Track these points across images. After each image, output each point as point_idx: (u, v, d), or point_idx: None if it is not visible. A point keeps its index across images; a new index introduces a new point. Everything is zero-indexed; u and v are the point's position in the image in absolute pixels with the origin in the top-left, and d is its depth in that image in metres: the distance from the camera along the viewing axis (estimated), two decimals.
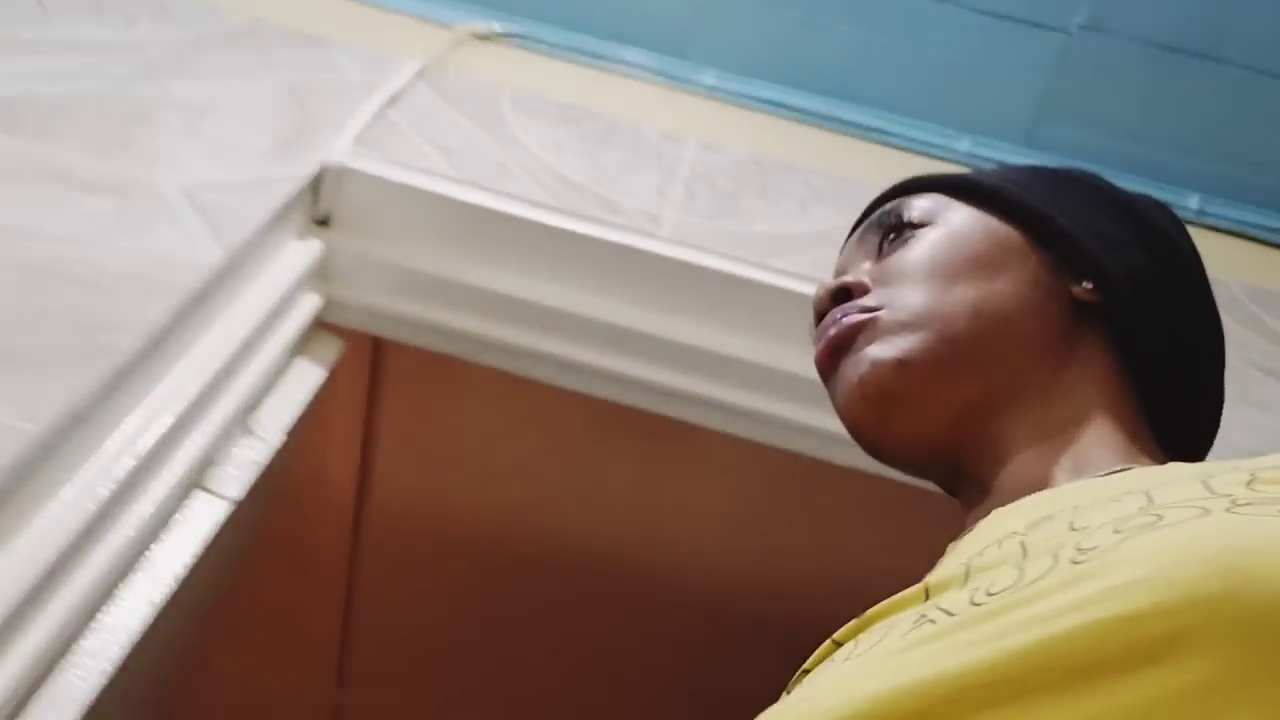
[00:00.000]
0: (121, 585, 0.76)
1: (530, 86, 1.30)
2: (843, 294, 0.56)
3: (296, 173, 1.01)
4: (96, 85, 1.05)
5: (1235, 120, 1.38)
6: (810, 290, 1.07)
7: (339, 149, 1.05)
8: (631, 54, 1.43)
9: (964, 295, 0.53)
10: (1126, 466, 0.50)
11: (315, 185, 1.05)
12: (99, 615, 0.73)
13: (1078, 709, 0.32)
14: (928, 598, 0.42)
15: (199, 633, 1.40)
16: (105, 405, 0.74)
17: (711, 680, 2.04)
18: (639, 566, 1.94)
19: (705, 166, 1.23)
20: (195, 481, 0.88)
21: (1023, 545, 0.41)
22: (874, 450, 0.55)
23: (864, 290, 0.56)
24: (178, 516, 0.85)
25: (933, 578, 0.44)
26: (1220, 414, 0.59)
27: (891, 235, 0.58)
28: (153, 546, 0.81)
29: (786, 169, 1.27)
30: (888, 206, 0.60)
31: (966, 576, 0.41)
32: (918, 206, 0.58)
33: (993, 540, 0.44)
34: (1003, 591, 0.37)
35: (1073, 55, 1.38)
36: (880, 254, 0.58)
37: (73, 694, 0.70)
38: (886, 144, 1.41)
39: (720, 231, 1.11)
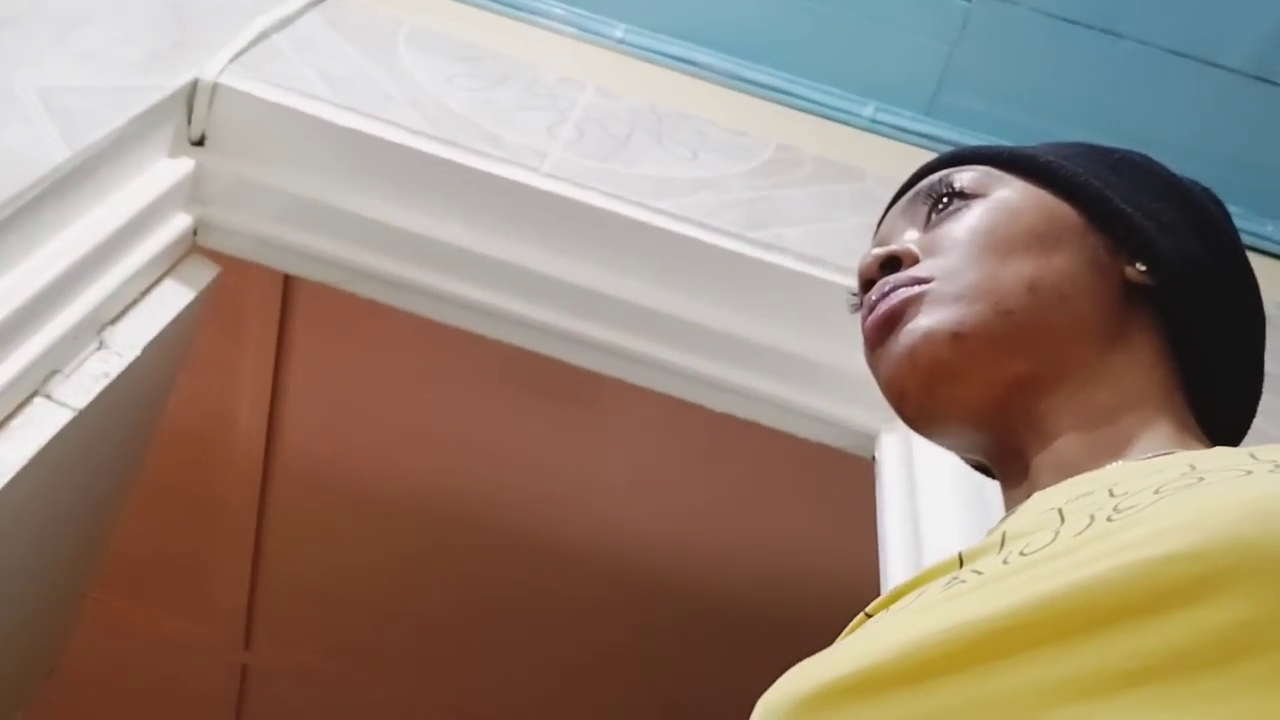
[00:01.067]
0: None
1: (432, 26, 1.29)
2: (892, 263, 0.55)
3: (164, 84, 0.99)
4: None
5: (1129, 94, 1.40)
6: (689, 231, 1.07)
7: (213, 66, 1.03)
8: (542, 3, 1.42)
9: (1020, 270, 0.53)
10: (1169, 451, 0.50)
11: (188, 101, 1.03)
12: None
13: (1111, 649, 0.32)
14: (962, 565, 0.43)
15: (75, 572, 1.37)
16: None
17: (620, 632, 2.05)
18: (549, 523, 1.93)
19: (600, 111, 1.22)
20: (36, 389, 0.86)
21: (1060, 514, 0.41)
22: (917, 419, 0.54)
23: (914, 259, 0.55)
24: (14, 421, 0.83)
25: (968, 548, 0.44)
26: (1258, 401, 0.59)
27: (941, 205, 0.57)
28: None
29: (683, 119, 1.26)
30: (935, 176, 0.59)
31: (1002, 543, 0.42)
32: (968, 178, 0.57)
33: (1036, 513, 0.45)
34: (1037, 551, 0.38)
35: (973, 24, 1.39)
36: (928, 224, 0.57)
37: None
38: (790, 105, 1.42)
39: (605, 171, 1.10)
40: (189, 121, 1.04)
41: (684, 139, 1.23)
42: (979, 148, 0.60)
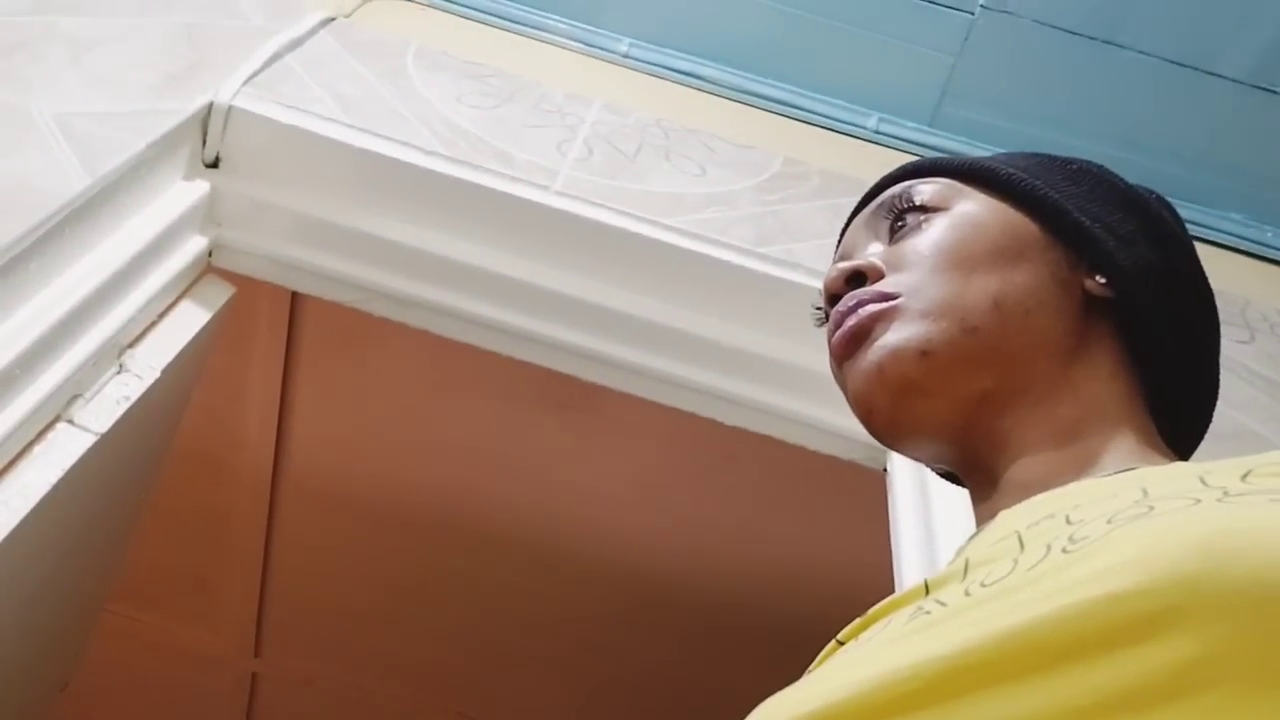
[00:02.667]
0: None
1: (439, 45, 1.30)
2: (857, 278, 0.56)
3: (180, 108, 1.00)
4: None
5: (1131, 104, 1.41)
6: (701, 248, 1.08)
7: (228, 88, 1.04)
8: (547, 19, 1.43)
9: (985, 286, 0.53)
10: (1132, 467, 0.50)
11: (204, 126, 1.04)
12: None
13: (1065, 687, 0.33)
14: (928, 593, 0.43)
15: (93, 587, 1.38)
16: None
17: (628, 641, 2.06)
18: (555, 531, 1.94)
19: (608, 127, 1.23)
20: (59, 414, 0.87)
21: (1020, 540, 0.42)
22: (884, 433, 0.55)
23: (879, 274, 0.55)
24: (37, 447, 0.84)
25: (934, 575, 0.45)
26: (1215, 402, 0.60)
27: (903, 220, 0.57)
28: (7, 474, 0.81)
29: (690, 134, 1.27)
30: (896, 189, 0.59)
31: (965, 571, 0.42)
32: (929, 191, 0.57)
33: (996, 538, 0.45)
34: (996, 582, 0.38)
35: (976, 35, 1.40)
36: (892, 238, 0.57)
37: None
38: (794, 118, 1.43)
39: (615, 188, 1.11)
40: (204, 144, 1.05)
41: (691, 153, 1.24)
42: (939, 159, 0.61)
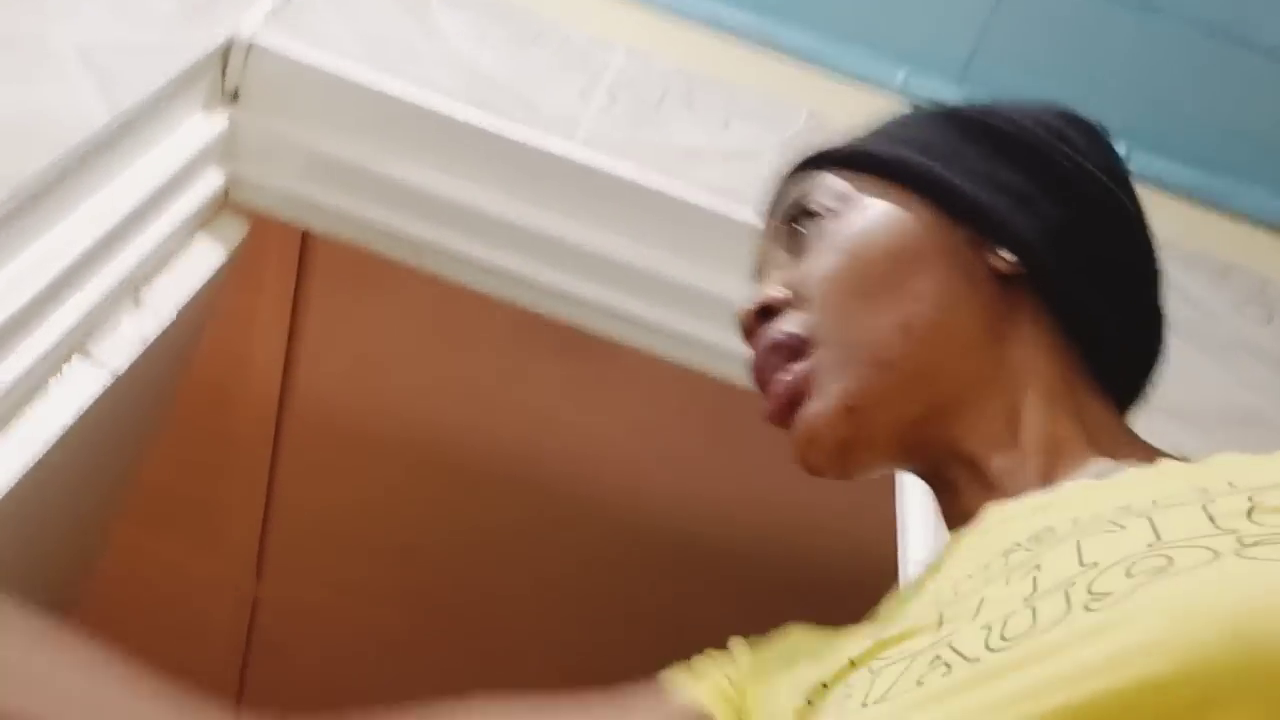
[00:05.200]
0: None
1: None
2: (767, 312, 0.55)
3: (201, 40, 0.98)
4: None
5: (1166, 72, 1.39)
6: (720, 207, 1.07)
7: (249, 23, 1.02)
8: None
9: (890, 313, 0.52)
10: (1109, 465, 0.49)
11: (224, 58, 1.02)
12: None
13: None
14: (941, 625, 0.42)
15: (103, 514, 1.39)
16: None
17: (624, 585, 2.08)
18: (555, 475, 1.96)
19: (631, 74, 1.21)
20: (75, 348, 0.87)
21: (1034, 578, 0.40)
22: (838, 479, 0.54)
23: (784, 303, 0.55)
24: (53, 382, 0.84)
25: (941, 599, 0.44)
26: (1162, 343, 0.57)
27: (800, 229, 0.56)
28: (25, 411, 0.81)
29: (713, 83, 1.25)
30: (789, 191, 0.58)
31: (979, 607, 0.41)
32: (822, 191, 0.56)
33: (996, 553, 0.44)
34: (1018, 638, 0.37)
35: None
36: (794, 248, 0.56)
37: None
38: (820, 68, 1.40)
39: (638, 140, 1.10)
40: (223, 76, 1.03)
41: (715, 105, 1.22)
42: (826, 149, 0.58)
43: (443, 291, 1.19)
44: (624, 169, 1.05)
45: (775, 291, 0.55)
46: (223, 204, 1.07)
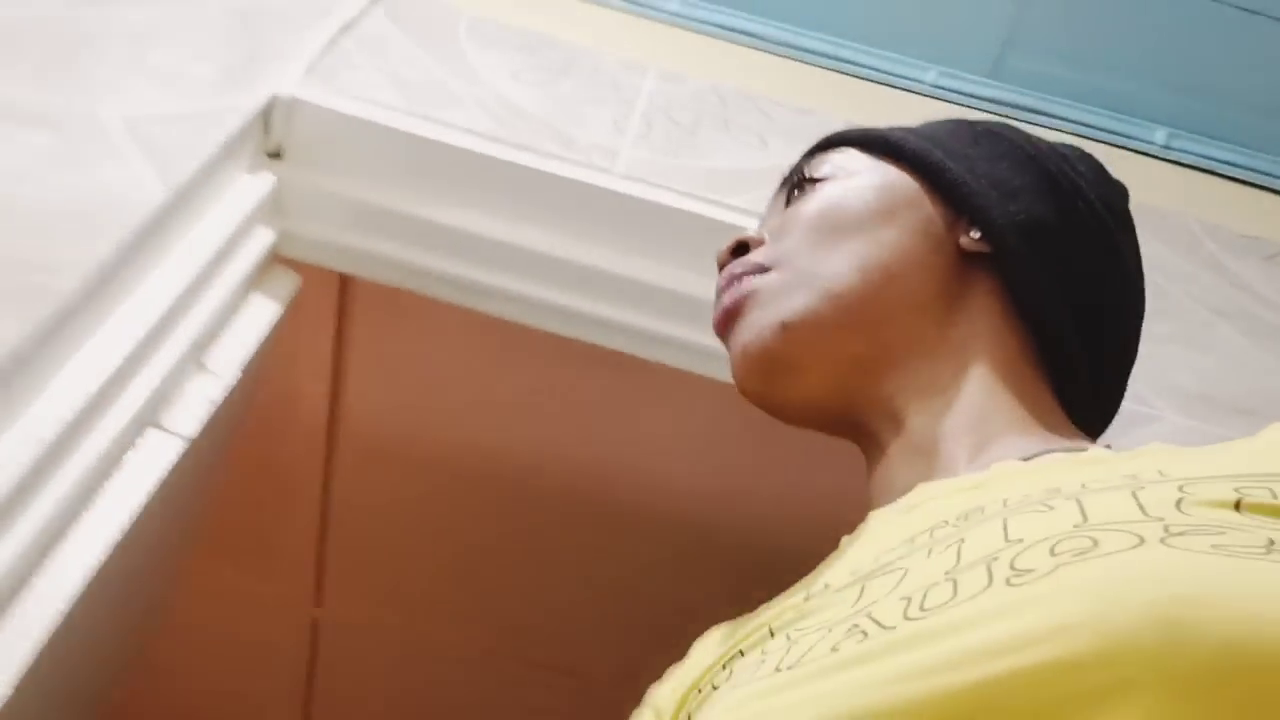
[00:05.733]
0: (73, 527, 0.77)
1: (488, 13, 1.28)
2: (741, 249, 0.57)
3: (245, 105, 0.99)
4: (38, 11, 1.03)
5: (1203, 54, 1.37)
6: None
7: (289, 80, 1.04)
8: None
9: (849, 250, 0.54)
10: (1039, 448, 0.49)
11: (266, 117, 1.04)
12: (49, 558, 0.74)
13: None
14: (860, 595, 0.42)
15: (175, 560, 1.42)
16: (47, 348, 0.74)
17: (671, 590, 2.10)
18: (608, 483, 1.97)
19: (664, 98, 1.21)
20: (148, 420, 0.88)
21: (958, 551, 0.40)
22: (766, 409, 0.56)
23: (759, 244, 0.57)
24: (130, 456, 0.85)
25: (860, 569, 0.43)
26: (1129, 374, 0.58)
27: (796, 191, 0.59)
28: (104, 486, 0.82)
29: (747, 100, 1.25)
30: (799, 163, 0.61)
31: (901, 578, 0.41)
32: (827, 161, 0.59)
33: (922, 529, 0.44)
34: (936, 608, 0.37)
35: None
36: (786, 208, 0.59)
37: (27, 633, 0.72)
38: (851, 74, 1.40)
39: (677, 167, 1.10)
40: (265, 134, 1.05)
41: (750, 123, 1.22)
42: (844, 131, 0.61)
43: (483, 320, 1.21)
44: (667, 197, 1.05)
45: (753, 232, 0.58)
46: (273, 259, 1.09)
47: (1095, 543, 0.36)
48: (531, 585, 2.23)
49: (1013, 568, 0.37)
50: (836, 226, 0.55)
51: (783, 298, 0.53)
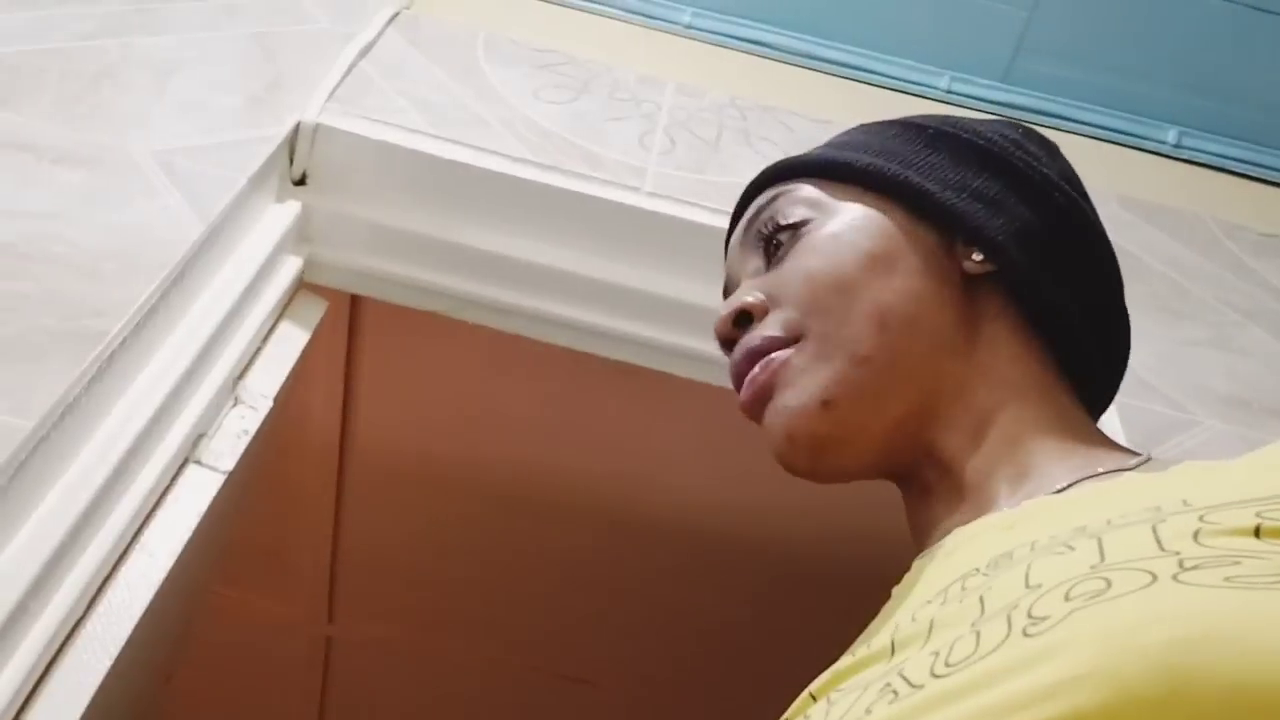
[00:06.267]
0: (121, 568, 0.77)
1: (505, 30, 1.27)
2: (743, 317, 0.55)
3: (271, 134, 0.99)
4: (59, 43, 1.02)
5: (1213, 52, 1.38)
6: None
7: (313, 107, 1.03)
8: None
9: (865, 307, 0.52)
10: (1076, 474, 0.49)
11: (290, 145, 1.03)
12: (100, 600, 0.74)
13: None
14: (894, 653, 0.42)
15: (203, 590, 1.41)
16: (95, 392, 0.74)
17: (683, 601, 2.10)
18: (622, 494, 1.97)
19: (684, 112, 1.21)
20: (189, 457, 0.88)
21: (982, 599, 0.41)
22: (811, 480, 0.54)
23: (763, 311, 0.55)
24: (171, 494, 0.85)
25: (899, 629, 0.44)
26: (1128, 340, 0.58)
27: (776, 238, 0.56)
28: (150, 526, 0.82)
29: (766, 111, 1.25)
30: (762, 205, 0.58)
31: (930, 631, 0.41)
32: (795, 201, 0.56)
33: (955, 577, 0.44)
34: (960, 663, 0.37)
35: None
36: (768, 263, 0.57)
37: (81, 676, 0.71)
38: (865, 82, 1.40)
39: (704, 183, 1.10)
40: (290, 162, 1.04)
41: (770, 134, 1.22)
42: (794, 161, 0.59)
43: (494, 336, 1.20)
44: (699, 215, 1.05)
45: (751, 297, 0.56)
46: (299, 286, 1.08)
47: (1109, 584, 0.36)
48: (543, 597, 2.23)
49: (1030, 615, 0.37)
50: (844, 284, 0.53)
51: (814, 372, 0.52)
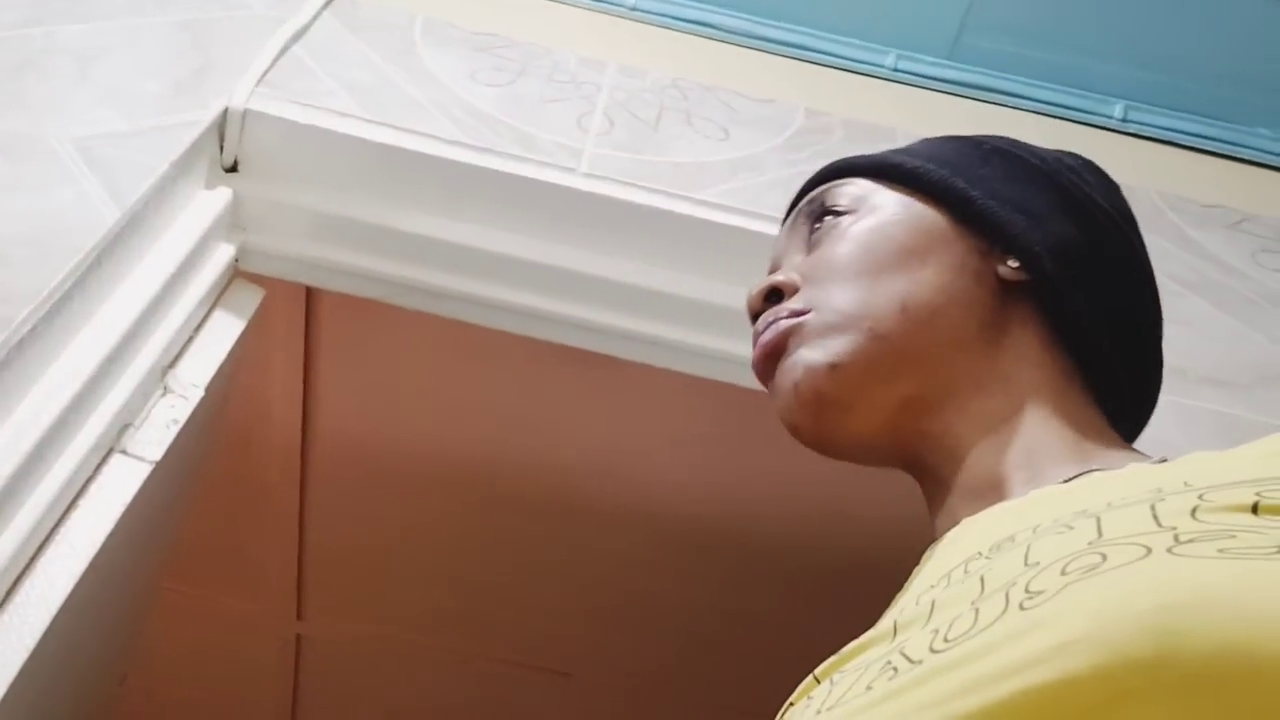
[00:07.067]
0: (40, 559, 0.75)
1: (444, 14, 1.26)
2: (774, 294, 0.56)
3: (197, 119, 0.97)
4: None
5: (1159, 26, 1.38)
6: (732, 221, 1.07)
7: (241, 92, 1.02)
8: None
9: (891, 290, 0.53)
10: (1085, 469, 0.49)
11: (220, 131, 1.02)
12: (17, 591, 0.73)
13: None
14: (895, 634, 0.43)
15: (148, 587, 1.40)
16: (4, 380, 0.72)
17: (657, 590, 2.09)
18: (586, 482, 1.96)
19: (625, 93, 1.20)
20: (112, 446, 0.87)
21: (982, 578, 0.41)
22: (816, 448, 0.55)
23: (794, 289, 0.56)
24: (94, 485, 0.84)
25: (903, 612, 0.44)
26: (1160, 378, 0.59)
27: (818, 225, 0.58)
28: (71, 516, 0.81)
29: (708, 92, 1.24)
30: (814, 194, 0.60)
31: (931, 611, 0.42)
32: (844, 194, 0.58)
33: (959, 561, 0.45)
34: (958, 638, 0.38)
35: None
36: (809, 246, 0.58)
37: None
38: (811, 61, 1.39)
39: (641, 163, 1.09)
40: (221, 149, 1.03)
41: (713, 115, 1.21)
42: (853, 159, 0.61)
43: (452, 326, 1.19)
44: (634, 194, 1.04)
45: (783, 276, 0.57)
46: (234, 275, 1.07)
47: (1104, 558, 0.37)
48: (515, 589, 2.22)
49: (1027, 591, 0.37)
50: (875, 268, 0.54)
51: (829, 339, 0.53)
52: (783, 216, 0.63)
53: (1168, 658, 0.31)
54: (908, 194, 0.57)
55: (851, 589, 2.03)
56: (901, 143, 1.26)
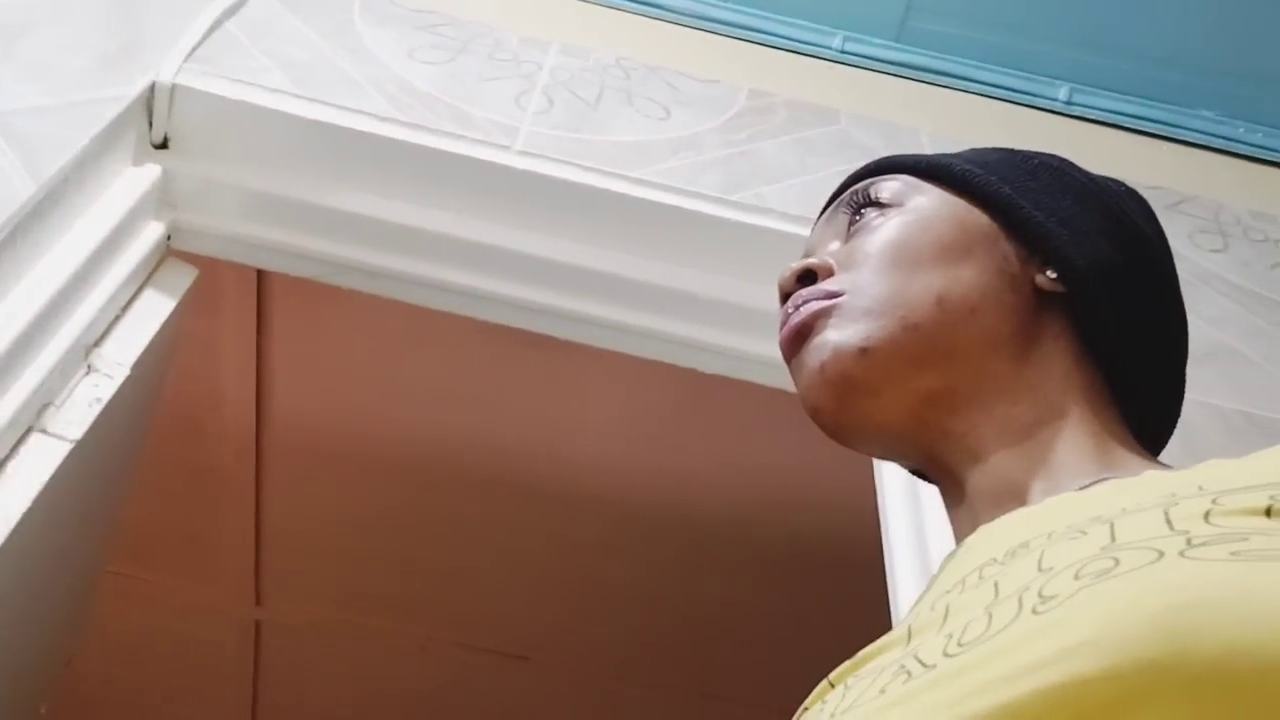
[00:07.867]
0: None
1: None
2: (808, 276, 0.56)
3: (121, 94, 0.96)
4: None
5: (1103, 8, 1.38)
6: (670, 200, 1.06)
7: (169, 67, 1.00)
8: None
9: (928, 283, 0.53)
10: (1103, 476, 0.50)
11: (148, 106, 1.00)
12: None
13: None
14: (910, 639, 0.43)
15: (89, 570, 1.38)
16: None
17: (610, 574, 2.09)
18: (541, 464, 1.96)
19: (566, 72, 1.19)
20: (31, 424, 0.85)
21: (996, 584, 0.42)
22: (835, 434, 0.54)
23: (829, 273, 0.55)
24: (11, 463, 0.82)
25: (918, 617, 0.45)
26: (1182, 400, 0.60)
27: (859, 216, 0.57)
28: None
29: (651, 72, 1.24)
30: (856, 187, 0.59)
31: (945, 616, 0.42)
32: (887, 188, 0.58)
33: (974, 567, 0.45)
34: (972, 642, 0.38)
35: None
36: (848, 235, 0.57)
37: None
38: (757, 42, 1.39)
39: (578, 142, 1.09)
40: (150, 126, 1.01)
41: (654, 94, 1.21)
42: (900, 156, 0.61)
43: (405, 307, 1.19)
44: (566, 172, 1.04)
45: (818, 260, 0.56)
46: (166, 253, 1.06)
47: (1116, 562, 0.37)
48: (474, 572, 2.22)
49: (1040, 595, 0.38)
50: (914, 259, 0.54)
51: (861, 323, 0.53)
52: (823, 206, 0.62)
53: (1177, 658, 0.32)
54: (953, 194, 0.57)
55: (804, 572, 2.05)
56: (846, 125, 1.27)
